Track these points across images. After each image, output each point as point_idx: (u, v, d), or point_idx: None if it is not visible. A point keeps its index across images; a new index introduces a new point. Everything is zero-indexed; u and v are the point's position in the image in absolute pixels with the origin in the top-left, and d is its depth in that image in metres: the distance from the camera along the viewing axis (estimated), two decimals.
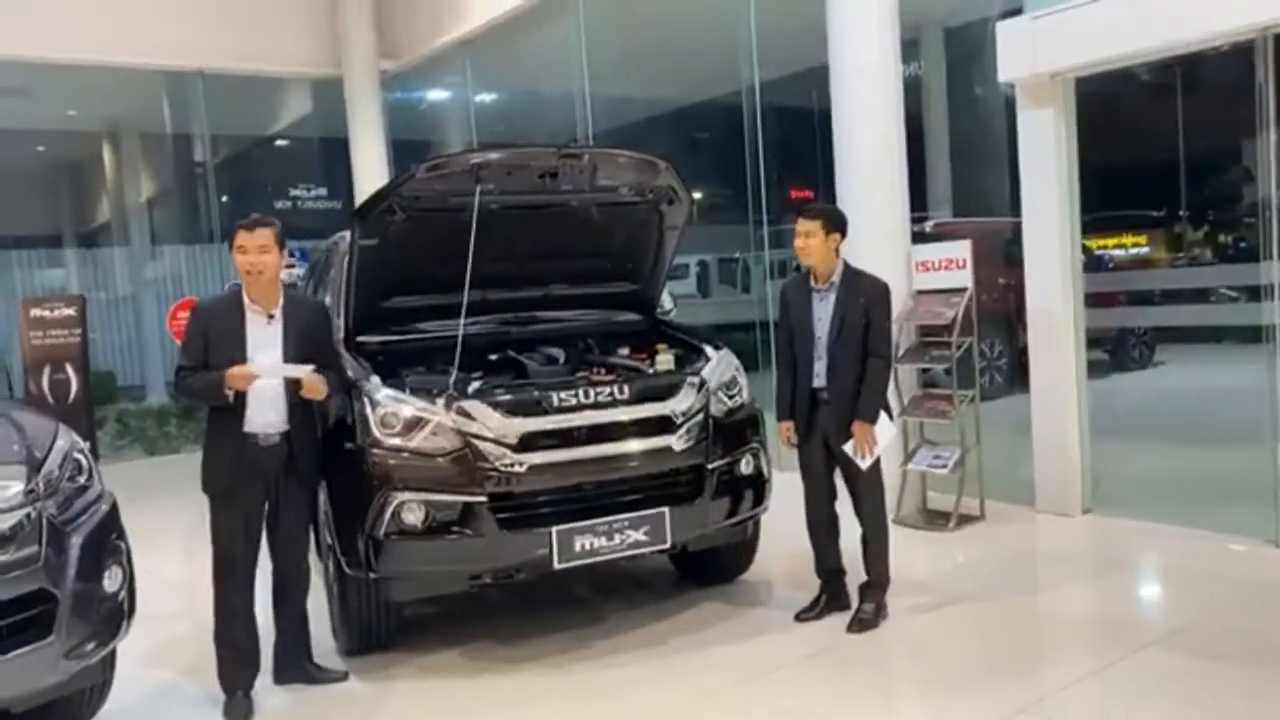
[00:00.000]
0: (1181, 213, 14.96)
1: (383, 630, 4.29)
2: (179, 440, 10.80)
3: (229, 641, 3.81)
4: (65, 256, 14.55)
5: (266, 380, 3.71)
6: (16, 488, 3.11)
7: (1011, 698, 3.61)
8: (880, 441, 4.25)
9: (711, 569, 4.96)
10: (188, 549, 4.85)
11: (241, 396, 3.68)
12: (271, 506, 3.82)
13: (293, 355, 3.76)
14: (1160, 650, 3.99)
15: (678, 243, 5.21)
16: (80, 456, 3.44)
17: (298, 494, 3.91)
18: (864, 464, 4.24)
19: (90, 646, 3.19)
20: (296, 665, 4.00)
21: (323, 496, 4.32)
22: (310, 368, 3.74)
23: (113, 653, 3.50)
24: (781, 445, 4.51)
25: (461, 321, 4.37)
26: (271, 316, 3.78)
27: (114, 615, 3.32)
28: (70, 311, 9.27)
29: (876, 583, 4.41)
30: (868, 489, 4.34)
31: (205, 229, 12.79)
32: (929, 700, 3.84)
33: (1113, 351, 10.34)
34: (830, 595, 4.50)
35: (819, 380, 4.31)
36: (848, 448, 4.23)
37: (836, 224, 4.31)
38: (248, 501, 3.76)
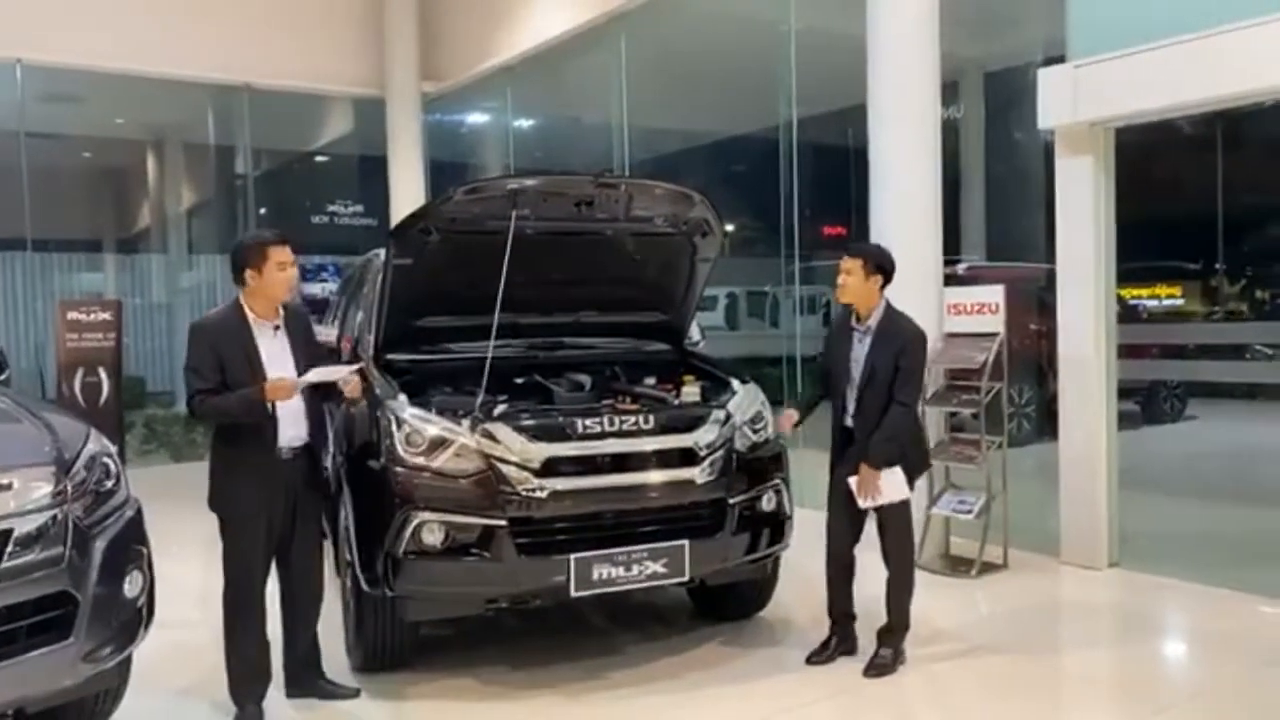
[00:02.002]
0: (1218, 266, 14.81)
1: (397, 649, 4.28)
2: (204, 447, 10.83)
3: (241, 654, 3.81)
4: (104, 261, 14.77)
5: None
6: (45, 489, 3.13)
7: None
8: (887, 493, 4.18)
9: (728, 605, 4.91)
10: (205, 556, 4.87)
11: (274, 413, 3.70)
12: (288, 523, 3.82)
13: (302, 362, 3.79)
14: (1181, 714, 3.91)
15: (709, 275, 5.22)
16: (109, 461, 3.46)
17: (314, 507, 3.95)
18: (861, 504, 4.20)
19: (108, 651, 3.20)
20: (308, 680, 4.00)
21: (344, 512, 4.34)
22: (355, 366, 3.81)
23: (128, 658, 3.50)
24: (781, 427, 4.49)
25: (491, 344, 4.39)
26: (277, 328, 3.81)
27: (132, 621, 3.33)
28: (106, 316, 9.39)
29: (896, 627, 4.35)
30: (894, 532, 4.29)
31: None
32: None
33: (1144, 403, 10.23)
34: (840, 638, 4.45)
35: (849, 420, 4.30)
36: (851, 482, 4.20)
37: (879, 265, 4.29)
38: (270, 518, 3.76)
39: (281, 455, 3.74)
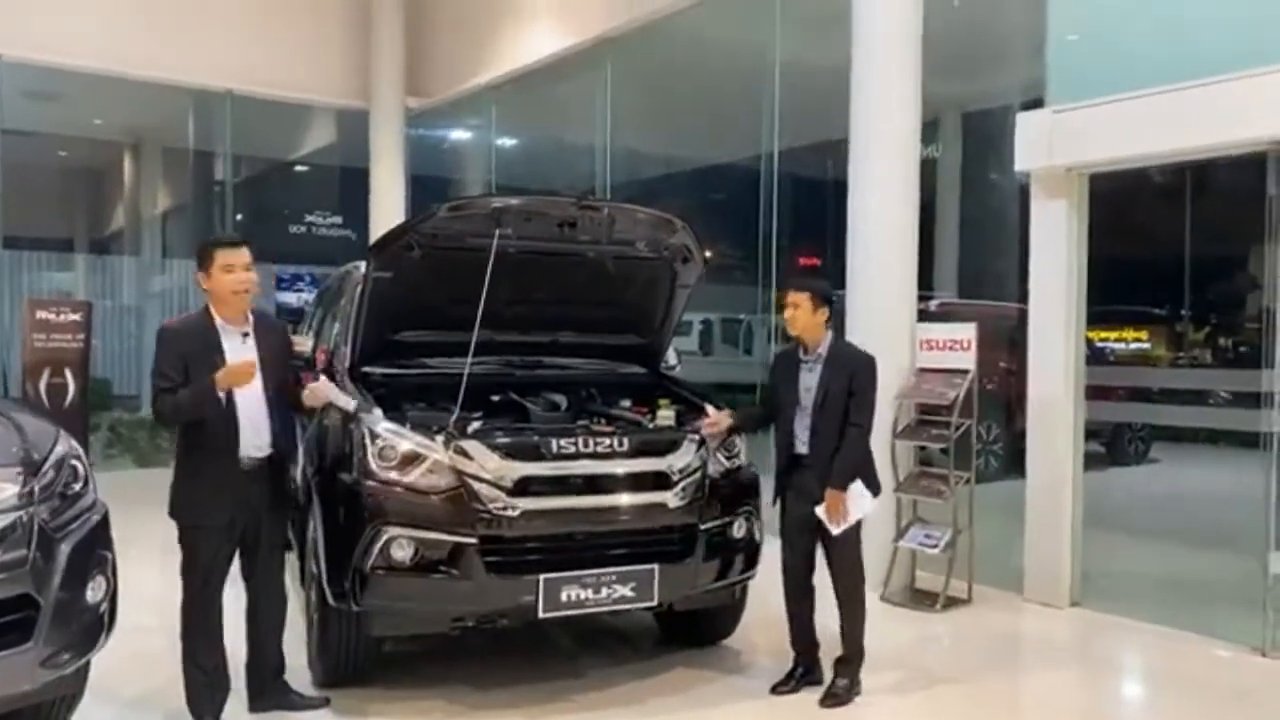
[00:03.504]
0: (1183, 312, 15.07)
1: (360, 664, 4.24)
2: (169, 454, 10.71)
3: (199, 664, 3.76)
4: (75, 261, 14.62)
5: (251, 401, 3.71)
6: (12, 490, 3.10)
7: None
8: (853, 511, 4.22)
9: (695, 631, 4.92)
10: (164, 563, 4.80)
11: (234, 419, 3.66)
12: (251, 531, 3.78)
13: (270, 372, 3.76)
14: None
15: (687, 300, 5.26)
16: (78, 464, 3.43)
17: (277, 519, 3.91)
18: (834, 530, 4.22)
19: (67, 656, 3.15)
20: (274, 693, 3.94)
21: (312, 524, 4.31)
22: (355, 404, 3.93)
23: (87, 664, 3.45)
24: (705, 427, 4.46)
25: (469, 361, 4.39)
26: (246, 334, 3.79)
27: (93, 627, 3.29)
28: (76, 317, 9.26)
29: (851, 657, 4.37)
30: (843, 561, 4.32)
31: None
32: None
33: (1109, 445, 10.36)
34: (805, 669, 4.46)
35: (801, 447, 4.33)
36: (819, 511, 4.22)
37: (824, 298, 4.38)
38: (229, 527, 3.72)
39: (243, 465, 3.70)
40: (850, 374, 4.26)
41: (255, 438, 3.73)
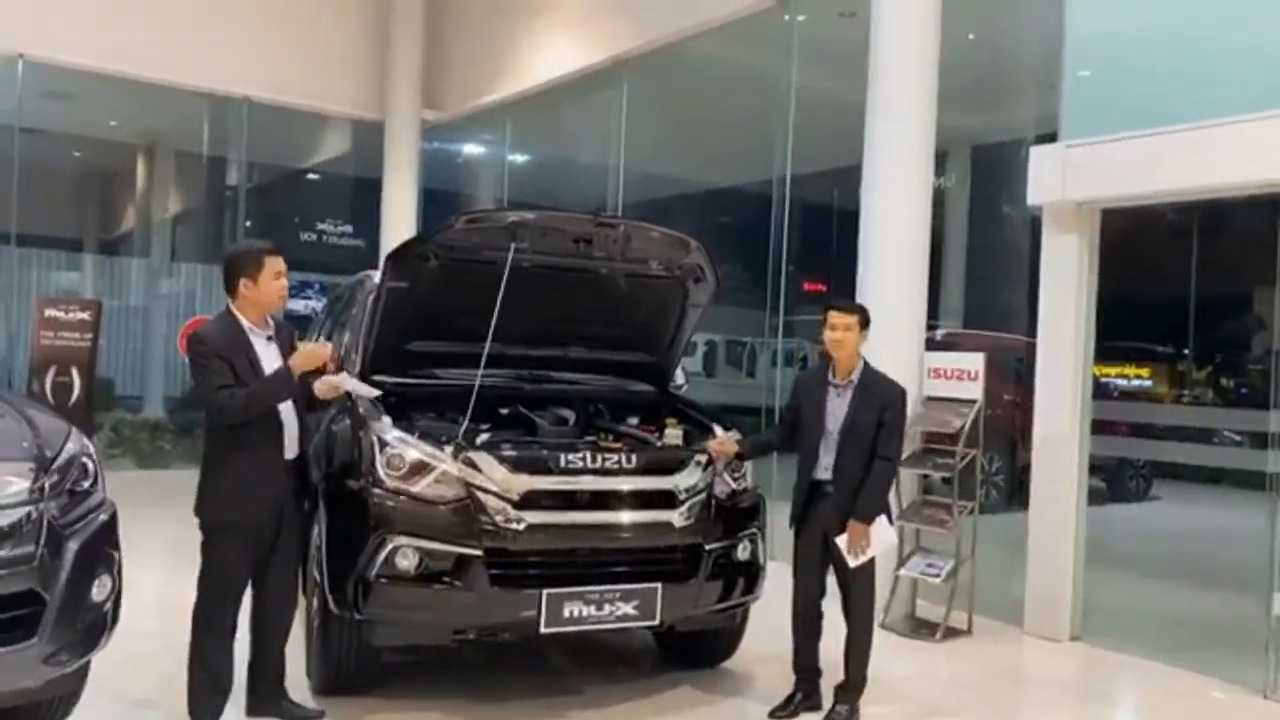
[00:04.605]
0: (1186, 351, 15.09)
1: (359, 673, 4.22)
2: (171, 456, 10.76)
3: (206, 667, 3.74)
4: (83, 261, 14.67)
5: (287, 404, 3.77)
6: (22, 485, 3.11)
7: None
8: (874, 546, 4.21)
9: (695, 652, 4.90)
10: (165, 565, 4.82)
11: (278, 420, 3.71)
12: (273, 535, 3.78)
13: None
14: None
15: (698, 320, 5.27)
16: (88, 461, 3.44)
17: (298, 523, 3.92)
18: (852, 562, 4.21)
19: (70, 654, 3.15)
20: (272, 699, 3.92)
21: (317, 530, 4.31)
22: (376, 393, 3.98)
23: (88, 663, 3.45)
24: (714, 450, 4.46)
25: (480, 373, 4.40)
26: (270, 338, 3.83)
27: (97, 625, 3.29)
28: (85, 315, 9.30)
29: (853, 685, 4.35)
30: (859, 589, 4.31)
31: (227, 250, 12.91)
32: None
33: (1110, 481, 10.34)
34: (805, 694, 4.43)
35: (823, 473, 4.30)
36: (840, 541, 4.21)
37: (868, 320, 4.37)
38: (259, 529, 3.72)
39: (284, 464, 3.74)
40: (882, 404, 4.24)
41: (290, 439, 3.78)
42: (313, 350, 3.76)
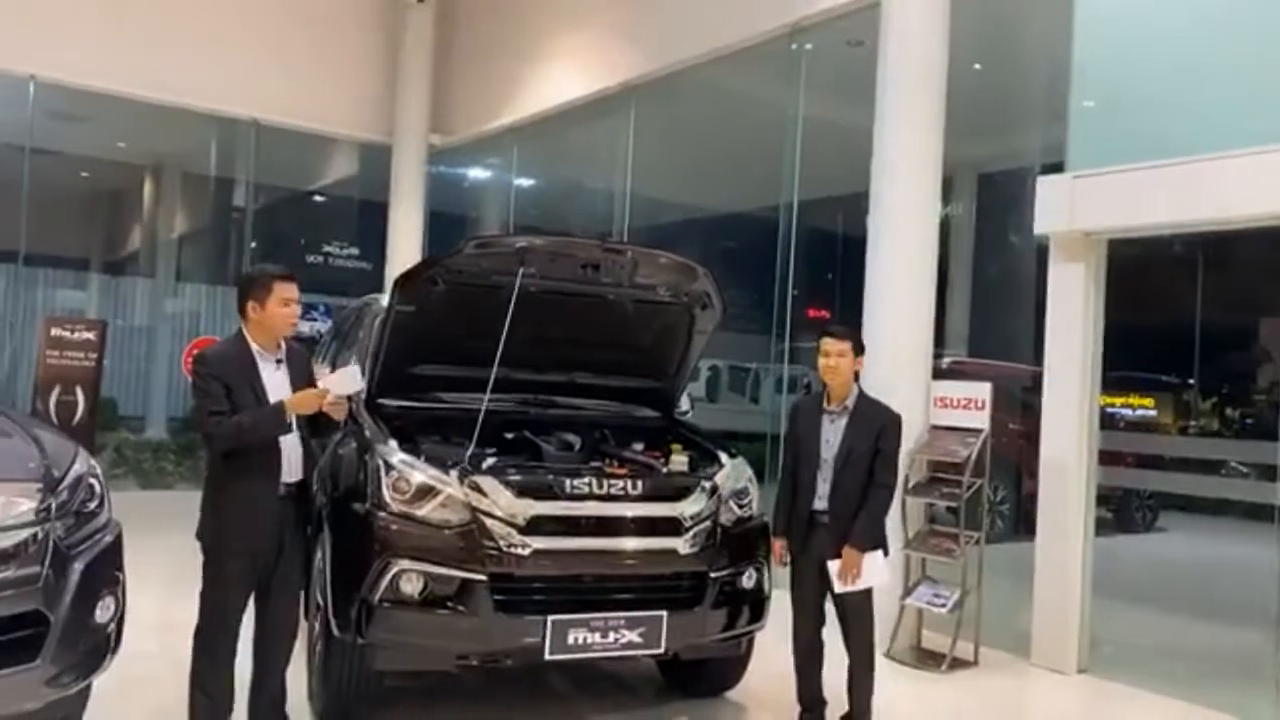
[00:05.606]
0: (1192, 381, 15.06)
1: (361, 698, 4.19)
2: (174, 477, 10.74)
3: (207, 690, 3.71)
4: (89, 280, 14.70)
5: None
6: (28, 506, 3.10)
7: None
8: (867, 576, 4.17)
9: (699, 681, 4.86)
10: (167, 588, 4.80)
11: (277, 445, 3.68)
12: (273, 559, 3.76)
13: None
14: None
15: (704, 347, 5.27)
16: (95, 482, 3.44)
17: (300, 548, 3.90)
18: (839, 588, 4.17)
19: (72, 676, 3.14)
20: None
21: (320, 553, 4.28)
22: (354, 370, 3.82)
23: (89, 685, 3.43)
24: (776, 563, 4.47)
25: (486, 397, 4.39)
26: (280, 362, 3.81)
27: (100, 647, 3.28)
28: (90, 335, 9.31)
29: (858, 715, 4.31)
30: (856, 619, 4.28)
31: (232, 272, 12.95)
32: None
33: (1116, 511, 10.29)
34: None
35: (820, 503, 4.28)
36: (831, 566, 4.18)
37: (861, 346, 4.37)
38: (257, 554, 3.71)
39: (279, 492, 3.71)
40: (878, 431, 4.22)
41: (290, 464, 3.75)
42: (308, 396, 3.67)
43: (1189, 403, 15.31)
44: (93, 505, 3.38)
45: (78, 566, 3.15)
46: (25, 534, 3.03)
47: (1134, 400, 15.32)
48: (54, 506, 3.16)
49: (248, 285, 3.80)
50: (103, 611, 3.25)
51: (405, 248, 11.63)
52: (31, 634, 3.00)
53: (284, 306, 3.76)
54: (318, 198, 14.55)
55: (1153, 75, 5.74)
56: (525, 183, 12.38)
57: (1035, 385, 6.22)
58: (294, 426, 3.68)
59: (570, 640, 3.99)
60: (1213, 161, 5.09)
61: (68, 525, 3.21)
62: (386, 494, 4.03)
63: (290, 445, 3.74)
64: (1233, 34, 5.47)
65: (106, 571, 3.30)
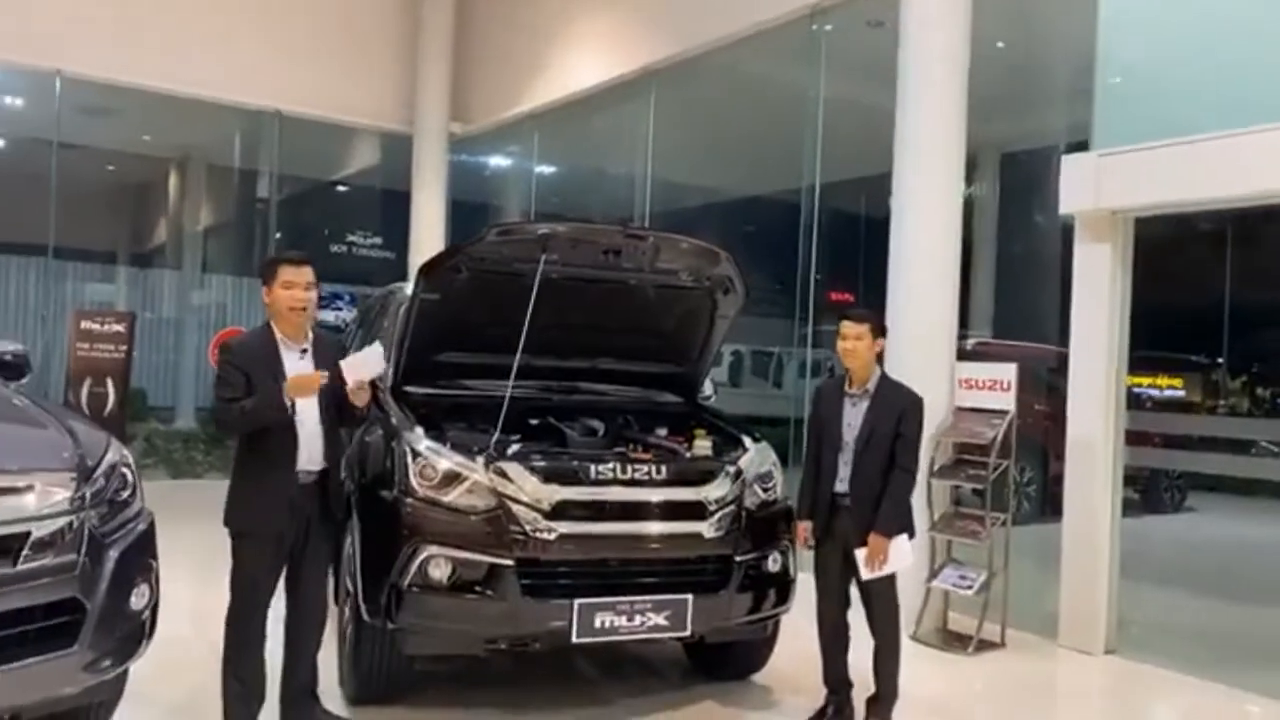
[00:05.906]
0: (1220, 360, 14.89)
1: (392, 683, 4.25)
2: (203, 466, 10.87)
3: (239, 674, 3.78)
4: (116, 273, 14.88)
5: (309, 416, 3.75)
6: (63, 495, 3.14)
7: None
8: (893, 561, 4.15)
9: (725, 664, 4.88)
10: (200, 575, 4.88)
11: (293, 432, 3.71)
12: (300, 546, 3.81)
13: (327, 389, 3.77)
14: None
15: (727, 331, 5.27)
16: (127, 471, 3.48)
17: (327, 535, 3.94)
18: (865, 574, 4.16)
19: (109, 662, 3.18)
20: (304, 708, 3.94)
21: (350, 540, 4.34)
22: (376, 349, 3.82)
23: (126, 671, 3.49)
24: (800, 546, 4.48)
25: (510, 384, 4.42)
26: (305, 350, 3.84)
27: (135, 634, 3.32)
28: (119, 328, 9.44)
29: (885, 697, 4.32)
30: (881, 600, 4.27)
31: (258, 262, 13.07)
32: None
33: (1144, 492, 10.22)
34: (836, 707, 4.40)
35: (841, 485, 4.26)
36: (858, 554, 4.17)
37: (882, 329, 4.34)
38: (279, 539, 3.75)
39: (299, 479, 3.74)
40: (899, 414, 4.20)
41: (310, 453, 3.77)
42: (303, 380, 3.68)
43: (1218, 382, 15.15)
44: (126, 494, 3.43)
45: (112, 554, 3.20)
46: (61, 522, 3.08)
47: (1162, 380, 15.17)
48: (88, 495, 3.20)
49: (261, 272, 3.89)
50: (138, 598, 3.29)
51: (428, 236, 11.68)
52: (69, 620, 3.05)
53: (285, 290, 3.77)
54: (341, 188, 14.64)
55: (1180, 50, 5.66)
56: (546, 170, 12.40)
57: (1061, 366, 6.17)
58: (291, 409, 3.67)
59: (597, 624, 4.02)
60: (1244, 136, 5.01)
61: (102, 514, 3.26)
62: (413, 480, 4.08)
63: (310, 433, 3.76)
64: (1263, 4, 5.38)
65: (140, 559, 3.35)
